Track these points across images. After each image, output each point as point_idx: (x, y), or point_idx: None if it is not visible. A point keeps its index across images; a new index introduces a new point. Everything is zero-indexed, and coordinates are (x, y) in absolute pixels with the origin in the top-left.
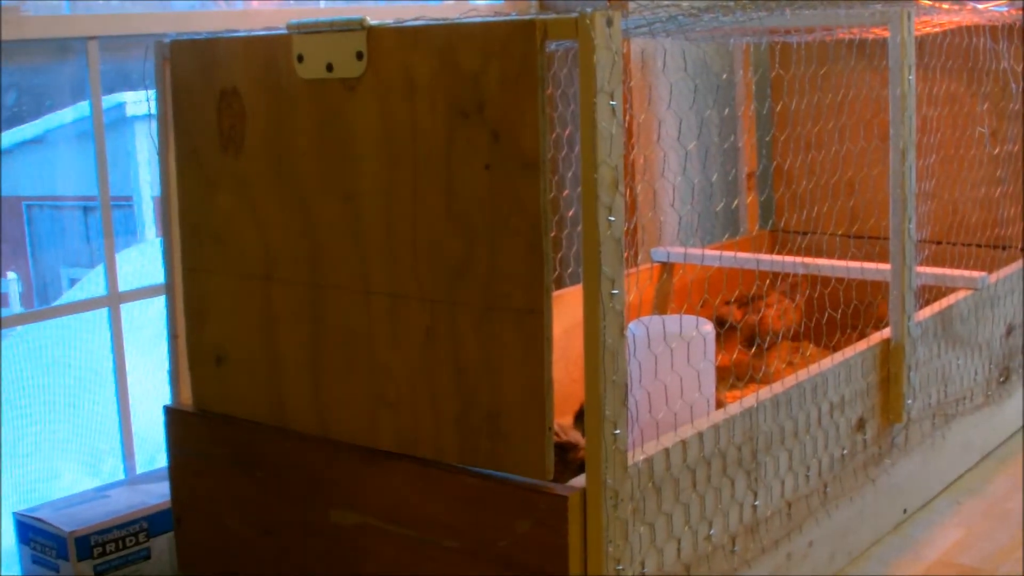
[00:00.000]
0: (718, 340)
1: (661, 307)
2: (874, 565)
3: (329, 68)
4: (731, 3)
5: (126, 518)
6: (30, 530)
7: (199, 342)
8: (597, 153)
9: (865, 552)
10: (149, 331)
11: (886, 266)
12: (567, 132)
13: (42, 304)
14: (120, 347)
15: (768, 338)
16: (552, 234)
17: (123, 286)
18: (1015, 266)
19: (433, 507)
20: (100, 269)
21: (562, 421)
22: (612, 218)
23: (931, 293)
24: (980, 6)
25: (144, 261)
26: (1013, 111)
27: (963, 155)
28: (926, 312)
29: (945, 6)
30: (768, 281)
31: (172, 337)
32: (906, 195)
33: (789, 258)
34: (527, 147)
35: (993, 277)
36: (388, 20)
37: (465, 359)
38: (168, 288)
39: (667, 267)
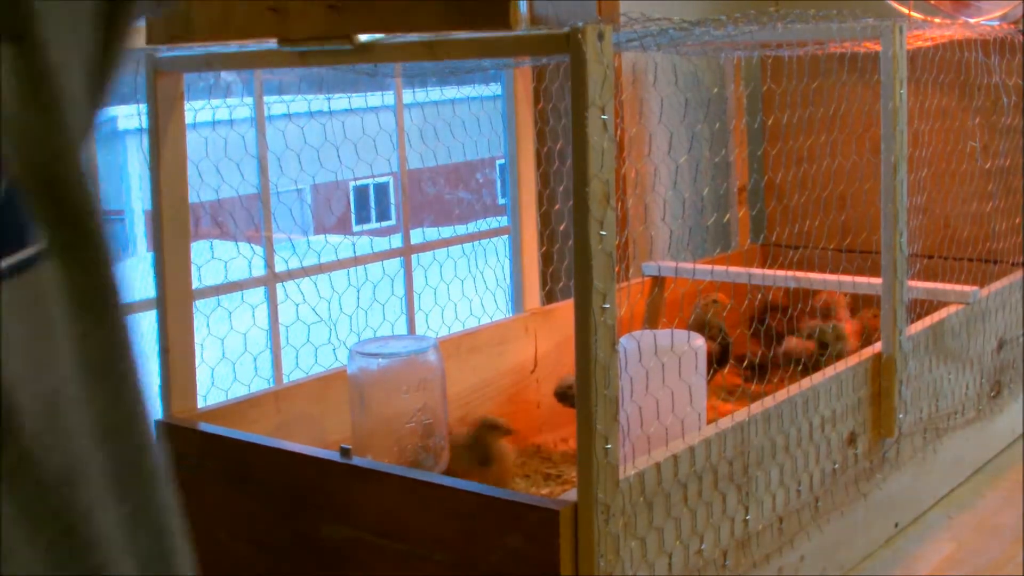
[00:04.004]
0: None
1: (652, 321)
2: None
3: None
4: (722, 17)
5: None
6: None
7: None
8: (588, 167)
9: (857, 566)
10: (140, 345)
11: (878, 280)
12: (558, 145)
13: None
14: None
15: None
16: (543, 248)
17: None
18: (1006, 280)
19: (425, 521)
20: None
21: (460, 427)
22: (603, 232)
23: (922, 307)
24: (972, 20)
25: (136, 275)
26: (1004, 125)
27: (955, 169)
28: (917, 326)
29: (937, 20)
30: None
31: (163, 351)
32: (898, 209)
33: (781, 272)
34: None
35: (984, 291)
36: (379, 35)
37: None
38: (159, 302)
39: (658, 281)
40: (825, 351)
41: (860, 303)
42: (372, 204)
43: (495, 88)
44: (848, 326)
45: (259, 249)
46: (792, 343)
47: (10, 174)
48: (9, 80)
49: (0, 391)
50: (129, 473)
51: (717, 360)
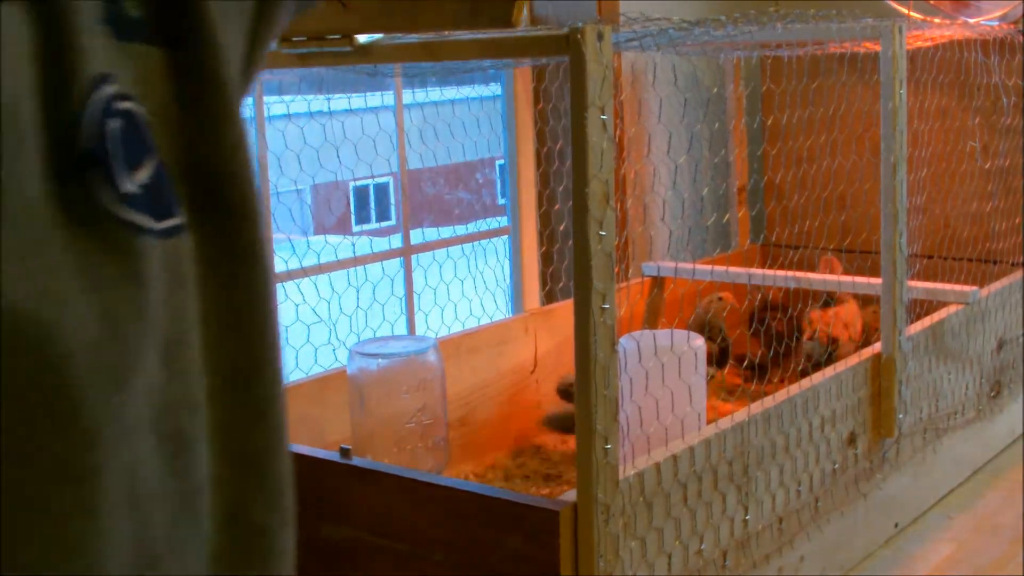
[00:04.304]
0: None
1: (652, 322)
2: None
3: None
4: (722, 17)
5: None
6: None
7: None
8: (588, 167)
9: (856, 566)
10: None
11: (877, 280)
12: (558, 146)
13: None
14: None
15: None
16: (543, 249)
17: None
18: (1006, 280)
19: (425, 522)
20: None
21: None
22: (603, 232)
23: (922, 307)
24: (972, 20)
25: None
26: (1004, 125)
27: (954, 169)
28: (917, 326)
29: (937, 20)
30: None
31: None
32: (897, 209)
33: (781, 272)
34: None
35: (984, 291)
36: (377, 35)
37: None
38: None
39: (658, 281)
40: (827, 347)
41: (860, 303)
42: (372, 204)
43: (495, 88)
44: (851, 309)
45: None
46: (808, 347)
47: (160, 157)
48: (162, 81)
49: (148, 326)
50: (250, 417)
51: (716, 362)
